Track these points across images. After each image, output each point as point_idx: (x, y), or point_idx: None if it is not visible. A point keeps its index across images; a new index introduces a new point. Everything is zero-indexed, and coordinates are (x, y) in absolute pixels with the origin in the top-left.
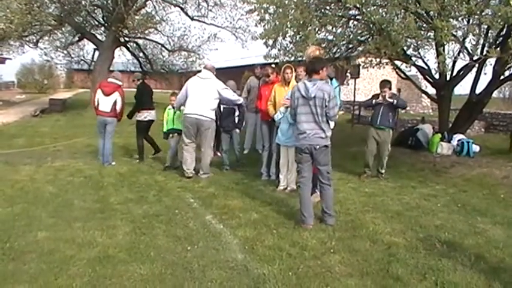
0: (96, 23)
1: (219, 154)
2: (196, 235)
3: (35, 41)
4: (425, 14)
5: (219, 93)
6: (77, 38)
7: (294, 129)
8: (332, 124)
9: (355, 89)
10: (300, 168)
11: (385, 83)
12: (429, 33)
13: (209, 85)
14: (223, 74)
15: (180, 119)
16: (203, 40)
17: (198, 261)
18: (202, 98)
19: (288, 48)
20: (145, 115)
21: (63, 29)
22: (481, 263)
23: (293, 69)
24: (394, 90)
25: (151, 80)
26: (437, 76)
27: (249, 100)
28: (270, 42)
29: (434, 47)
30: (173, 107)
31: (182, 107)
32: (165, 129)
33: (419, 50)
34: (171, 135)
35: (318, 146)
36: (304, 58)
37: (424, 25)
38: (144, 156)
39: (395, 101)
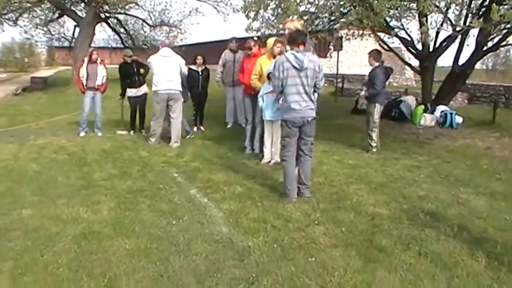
0: None
1: (202, 128)
2: (180, 209)
3: (14, 18)
4: None
5: (181, 67)
6: (56, 15)
7: (279, 102)
8: (316, 95)
9: (338, 61)
10: (287, 142)
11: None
12: (412, 4)
13: (172, 61)
14: (206, 48)
15: None
16: (184, 14)
17: (183, 235)
18: (169, 74)
19: (269, 21)
20: (144, 90)
21: (42, 6)
22: (464, 233)
23: (283, 43)
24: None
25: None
26: (420, 47)
27: (224, 74)
28: (252, 14)
29: (417, 17)
30: None
31: None
32: None
33: (402, 21)
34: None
35: (309, 118)
36: (283, 30)
37: None
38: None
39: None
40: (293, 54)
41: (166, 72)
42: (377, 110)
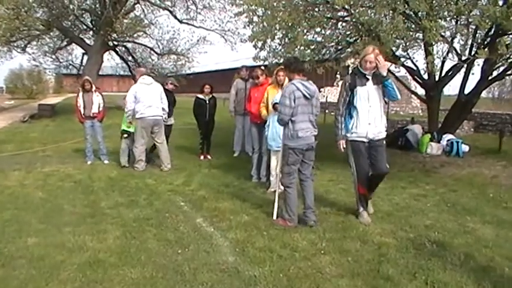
0: (85, 27)
1: (209, 157)
2: (187, 238)
3: (23, 46)
4: (413, 15)
5: (161, 93)
6: (65, 43)
7: (282, 130)
8: None
9: None
10: (293, 169)
11: None
12: (418, 34)
13: (155, 88)
14: (213, 77)
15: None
16: (192, 43)
17: (189, 264)
18: (154, 100)
19: (276, 50)
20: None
21: (51, 33)
22: (471, 262)
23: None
24: None
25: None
26: (426, 76)
27: (236, 102)
28: (259, 44)
29: (423, 47)
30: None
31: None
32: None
33: (408, 51)
34: (125, 135)
35: (313, 144)
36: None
37: (413, 26)
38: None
39: None
40: (301, 83)
41: (151, 99)
42: None
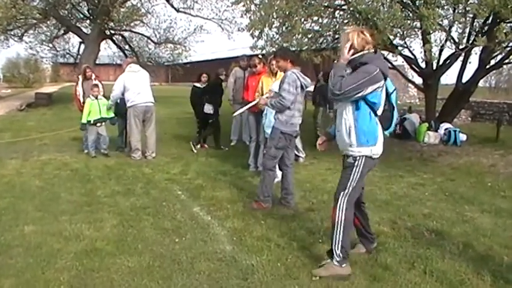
0: (82, 16)
1: (206, 146)
2: (184, 227)
3: (19, 34)
4: (411, 3)
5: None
6: (62, 31)
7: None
8: None
9: None
10: (278, 153)
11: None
12: (415, 23)
13: (143, 75)
14: (210, 65)
15: (104, 107)
16: (189, 32)
17: (186, 253)
18: (144, 87)
19: (274, 39)
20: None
21: (48, 22)
22: (469, 251)
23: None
24: None
25: None
26: (423, 65)
27: (234, 91)
28: (256, 33)
29: (420, 36)
30: (96, 98)
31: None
32: (86, 120)
33: (406, 39)
34: (98, 124)
35: (299, 132)
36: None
37: (410, 14)
38: None
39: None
40: (299, 74)
41: (140, 86)
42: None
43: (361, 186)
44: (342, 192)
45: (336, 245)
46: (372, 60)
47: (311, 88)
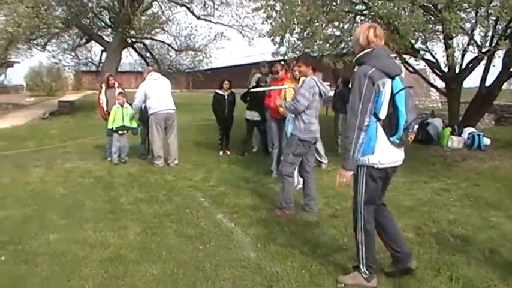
0: (103, 24)
1: (228, 152)
2: (207, 234)
3: (42, 44)
4: (433, 7)
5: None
6: (84, 40)
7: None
8: None
9: None
10: (296, 160)
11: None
12: (437, 26)
13: (164, 83)
14: (231, 72)
15: (127, 116)
16: (210, 39)
17: (210, 260)
18: (165, 95)
19: (295, 45)
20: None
21: (70, 31)
22: (495, 257)
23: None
24: None
25: None
26: (446, 69)
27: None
28: (278, 39)
29: (442, 40)
30: (121, 105)
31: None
32: (110, 127)
33: (428, 44)
34: (119, 132)
35: (318, 139)
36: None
37: (432, 18)
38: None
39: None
40: (319, 81)
41: (161, 94)
42: None
43: (375, 198)
44: (356, 208)
45: (362, 263)
46: (369, 59)
47: (331, 93)
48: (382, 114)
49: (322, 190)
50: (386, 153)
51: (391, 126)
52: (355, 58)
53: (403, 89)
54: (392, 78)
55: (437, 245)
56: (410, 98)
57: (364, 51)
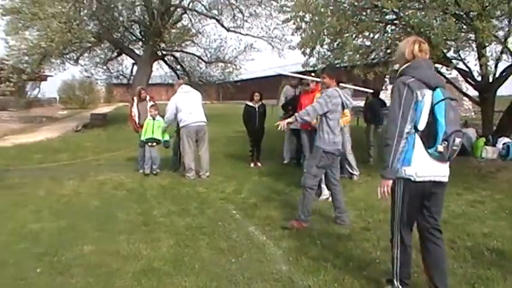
0: (134, 38)
1: (259, 164)
2: (239, 247)
3: (75, 58)
4: (465, 15)
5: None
6: (115, 54)
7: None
8: None
9: None
10: (320, 172)
11: None
12: (470, 35)
13: (195, 96)
14: (260, 83)
15: (159, 129)
16: (239, 51)
17: (242, 274)
18: (196, 107)
19: (325, 56)
20: None
21: (102, 45)
22: None
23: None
24: None
25: None
26: (479, 78)
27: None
28: (308, 50)
29: (475, 48)
30: (153, 118)
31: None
32: (143, 138)
33: (460, 52)
34: (149, 143)
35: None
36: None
37: (464, 27)
38: None
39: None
40: (341, 92)
41: (192, 106)
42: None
43: (412, 214)
44: (393, 224)
45: (395, 277)
46: (409, 69)
47: (361, 103)
48: (421, 125)
49: (353, 202)
50: (424, 165)
51: (429, 137)
52: (399, 71)
53: (443, 99)
54: (433, 89)
55: (472, 259)
56: (451, 110)
57: (407, 64)
